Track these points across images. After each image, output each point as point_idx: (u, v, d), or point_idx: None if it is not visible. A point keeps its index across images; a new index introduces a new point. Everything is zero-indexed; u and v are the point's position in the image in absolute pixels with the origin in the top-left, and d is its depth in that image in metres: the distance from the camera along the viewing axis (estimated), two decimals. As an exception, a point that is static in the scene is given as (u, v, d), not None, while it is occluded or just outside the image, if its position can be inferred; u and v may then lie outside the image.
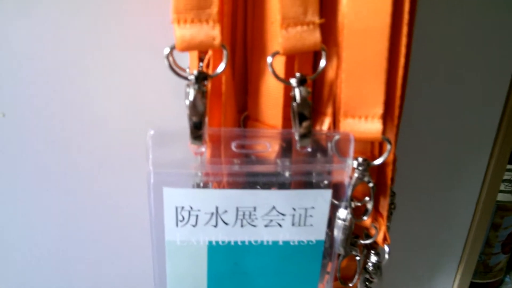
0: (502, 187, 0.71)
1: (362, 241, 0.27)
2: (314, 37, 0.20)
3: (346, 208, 0.24)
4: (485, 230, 0.55)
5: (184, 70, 0.20)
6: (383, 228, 0.25)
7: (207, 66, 0.21)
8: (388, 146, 0.22)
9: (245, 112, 0.24)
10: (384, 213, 0.25)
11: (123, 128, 0.31)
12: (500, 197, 0.72)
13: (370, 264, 0.29)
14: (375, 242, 0.26)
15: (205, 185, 0.23)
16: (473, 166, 0.44)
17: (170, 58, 0.20)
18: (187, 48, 0.19)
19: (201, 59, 0.21)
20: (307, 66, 0.22)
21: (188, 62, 0.24)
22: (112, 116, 0.31)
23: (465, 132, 0.41)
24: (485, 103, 0.39)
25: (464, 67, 0.36)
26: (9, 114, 0.30)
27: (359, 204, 0.25)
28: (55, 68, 0.29)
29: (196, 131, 0.21)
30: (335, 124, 0.24)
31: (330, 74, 0.23)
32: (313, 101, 0.24)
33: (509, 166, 0.68)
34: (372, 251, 0.29)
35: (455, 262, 0.52)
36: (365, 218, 0.25)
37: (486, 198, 0.51)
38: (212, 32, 0.19)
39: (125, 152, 0.32)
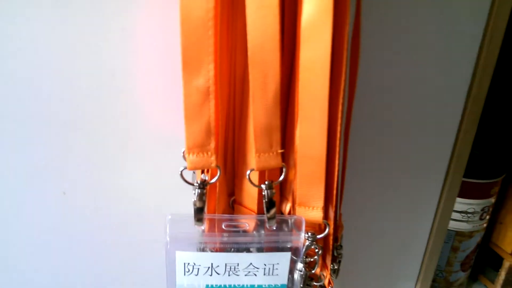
0: (459, 217, 0.82)
1: (315, 283, 0.38)
2: (277, 160, 0.31)
3: (301, 262, 0.35)
4: (438, 255, 0.63)
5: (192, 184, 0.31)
6: (327, 276, 0.36)
7: (207, 171, 0.32)
8: (327, 228, 0.33)
9: (233, 197, 0.35)
10: (329, 265, 0.36)
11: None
12: (458, 225, 0.83)
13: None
14: (323, 285, 0.37)
15: (204, 249, 0.34)
16: (427, 198, 0.52)
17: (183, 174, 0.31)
18: (194, 168, 0.30)
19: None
20: (275, 173, 0.33)
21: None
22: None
23: (418, 167, 0.48)
24: (437, 138, 0.46)
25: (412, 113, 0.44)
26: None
27: (311, 259, 0.36)
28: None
29: (198, 215, 0.32)
30: (293, 207, 0.34)
31: (291, 176, 0.33)
32: (280, 188, 0.35)
33: (460, 200, 0.79)
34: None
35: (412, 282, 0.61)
36: (313, 270, 0.35)
37: (438, 227, 0.57)
38: (210, 159, 0.30)
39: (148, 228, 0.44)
